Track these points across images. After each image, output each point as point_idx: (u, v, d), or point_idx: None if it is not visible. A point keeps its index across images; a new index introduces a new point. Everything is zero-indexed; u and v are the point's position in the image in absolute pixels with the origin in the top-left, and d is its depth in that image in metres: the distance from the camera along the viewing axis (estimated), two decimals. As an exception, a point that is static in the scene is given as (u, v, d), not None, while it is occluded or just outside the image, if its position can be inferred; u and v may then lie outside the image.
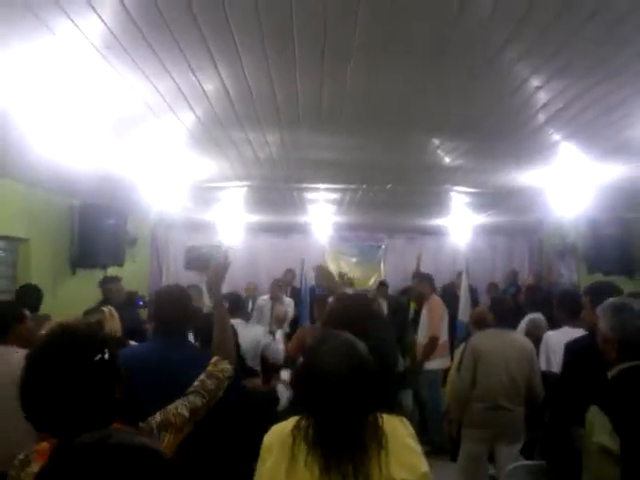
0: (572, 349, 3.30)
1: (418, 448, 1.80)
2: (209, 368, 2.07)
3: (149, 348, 2.83)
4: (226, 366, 2.11)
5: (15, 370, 3.30)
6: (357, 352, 1.80)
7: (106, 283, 6.22)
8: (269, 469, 1.73)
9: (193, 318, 2.95)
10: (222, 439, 2.67)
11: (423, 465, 1.76)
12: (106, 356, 1.63)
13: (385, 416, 1.79)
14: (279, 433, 1.79)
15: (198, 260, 2.49)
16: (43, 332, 3.76)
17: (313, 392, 1.75)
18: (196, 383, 1.99)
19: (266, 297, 8.16)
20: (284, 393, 4.55)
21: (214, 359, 2.10)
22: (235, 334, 3.97)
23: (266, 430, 1.84)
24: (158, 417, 1.77)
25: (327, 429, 1.71)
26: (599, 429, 2.36)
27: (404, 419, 1.87)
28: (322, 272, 8.92)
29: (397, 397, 3.03)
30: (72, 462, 0.90)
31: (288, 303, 8.23)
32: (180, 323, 2.80)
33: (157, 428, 1.73)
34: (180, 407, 1.85)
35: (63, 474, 0.88)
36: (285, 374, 4.91)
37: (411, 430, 1.83)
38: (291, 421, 1.80)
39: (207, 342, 2.44)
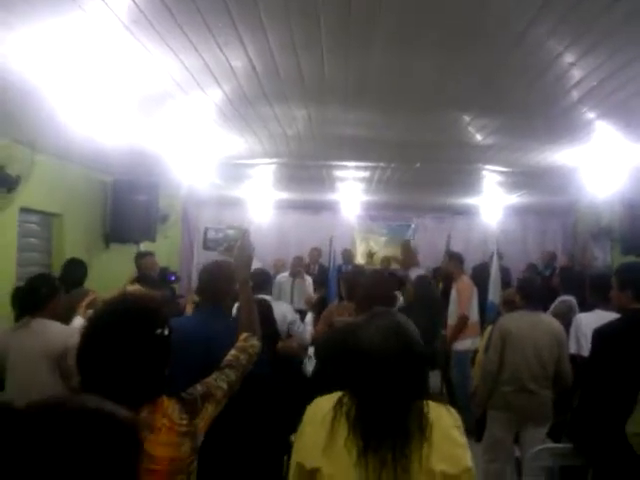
0: (601, 334, 3.24)
1: (463, 440, 1.70)
2: (241, 343, 2.10)
3: (194, 320, 2.90)
4: (255, 342, 2.14)
5: (50, 343, 3.41)
6: (407, 333, 1.73)
7: (140, 257, 6.32)
8: (307, 442, 1.71)
9: (234, 292, 2.99)
10: (252, 412, 2.70)
11: (467, 459, 1.67)
12: (165, 331, 1.68)
13: (431, 404, 1.71)
14: (321, 407, 1.74)
15: (217, 241, 2.53)
16: (84, 303, 3.89)
17: (358, 372, 1.70)
18: (229, 357, 2.01)
19: (286, 274, 8.18)
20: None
21: (244, 335, 2.13)
22: (269, 309, 4.02)
23: (296, 394, 1.82)
24: (200, 388, 1.80)
25: (370, 411, 1.65)
26: None
27: (451, 408, 1.78)
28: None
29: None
30: (26, 426, 0.95)
31: (309, 284, 8.23)
32: (219, 297, 2.85)
33: (200, 399, 1.76)
34: (219, 380, 1.88)
35: (15, 438, 0.94)
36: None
37: (458, 421, 1.74)
38: (334, 396, 1.75)
39: None
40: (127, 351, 1.59)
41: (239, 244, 2.34)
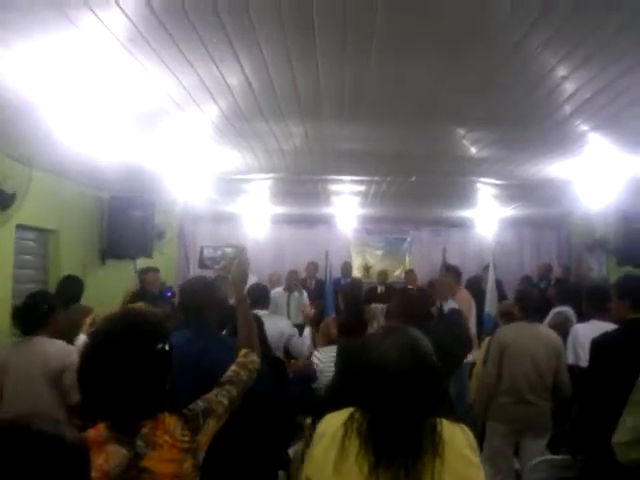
0: (598, 345, 3.26)
1: (476, 460, 1.68)
2: (241, 359, 2.09)
3: (181, 338, 2.89)
4: (255, 358, 2.14)
5: (49, 361, 3.41)
6: (421, 349, 1.71)
7: (144, 273, 6.32)
8: (317, 457, 1.70)
9: (219, 308, 2.98)
10: (251, 428, 2.70)
11: (479, 479, 1.66)
12: (166, 347, 1.68)
13: (445, 422, 1.69)
14: (333, 422, 1.73)
15: (213, 259, 2.53)
16: (87, 320, 3.88)
17: (371, 387, 1.68)
18: (230, 373, 2.01)
19: (280, 289, 8.15)
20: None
21: (244, 351, 2.13)
22: (261, 324, 4.01)
23: (304, 408, 1.81)
24: (201, 404, 1.80)
25: (382, 427, 1.63)
26: None
27: (465, 427, 1.76)
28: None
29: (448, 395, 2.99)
30: None
31: (304, 297, 8.18)
32: (205, 314, 2.84)
33: (202, 414, 1.76)
34: (220, 396, 1.87)
35: None
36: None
37: (472, 440, 1.72)
38: (345, 412, 1.74)
39: (235, 332, 2.48)
40: (128, 366, 1.59)
41: (236, 262, 2.35)
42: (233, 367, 2.04)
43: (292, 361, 4.21)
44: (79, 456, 1.08)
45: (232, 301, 2.58)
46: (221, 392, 1.89)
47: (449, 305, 6.37)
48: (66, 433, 1.10)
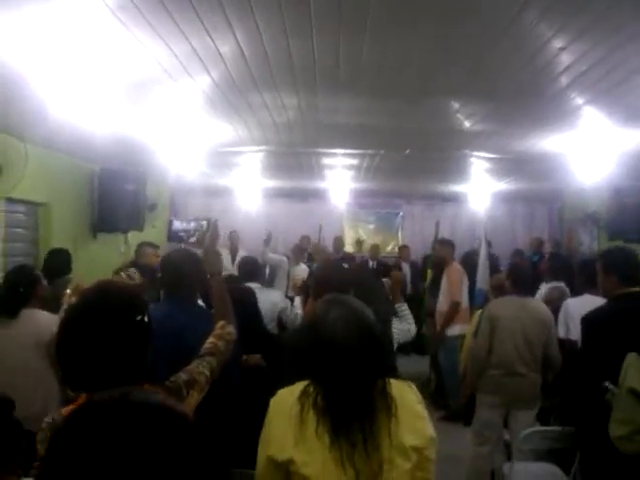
0: (588, 321, 3.27)
1: (425, 413, 1.77)
2: (218, 331, 2.08)
3: (162, 310, 2.87)
4: (232, 330, 2.13)
5: (38, 331, 3.40)
6: (365, 318, 1.77)
7: (139, 246, 6.25)
8: (276, 435, 1.71)
9: (201, 281, 2.94)
10: (234, 397, 2.71)
11: (430, 430, 1.75)
12: (145, 318, 1.66)
13: (393, 381, 1.76)
14: (286, 398, 1.75)
15: (182, 232, 2.48)
16: (68, 291, 3.86)
17: (321, 361, 1.72)
18: (208, 345, 2.00)
19: (285, 259, 8.14)
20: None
21: (220, 323, 2.11)
22: (254, 299, 4.01)
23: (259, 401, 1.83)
24: (183, 376, 1.79)
25: (336, 398, 1.68)
26: (632, 374, 2.44)
27: (412, 384, 1.84)
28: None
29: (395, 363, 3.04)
30: (93, 418, 0.91)
31: (303, 269, 8.22)
32: (185, 286, 2.82)
33: (185, 386, 1.75)
34: (201, 367, 1.87)
35: (83, 429, 0.89)
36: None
37: (418, 395, 1.81)
38: (298, 386, 1.76)
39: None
40: (107, 339, 1.56)
41: (209, 235, 2.31)
42: (211, 339, 2.03)
43: (244, 358, 4.12)
44: (194, 430, 1.03)
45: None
46: (202, 363, 1.89)
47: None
48: (172, 403, 1.05)
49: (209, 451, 1.15)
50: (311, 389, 1.73)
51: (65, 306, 3.80)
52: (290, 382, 1.82)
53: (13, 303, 3.46)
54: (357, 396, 1.68)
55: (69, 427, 0.92)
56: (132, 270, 3.77)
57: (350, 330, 1.71)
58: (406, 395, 1.77)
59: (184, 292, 2.80)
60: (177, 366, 1.89)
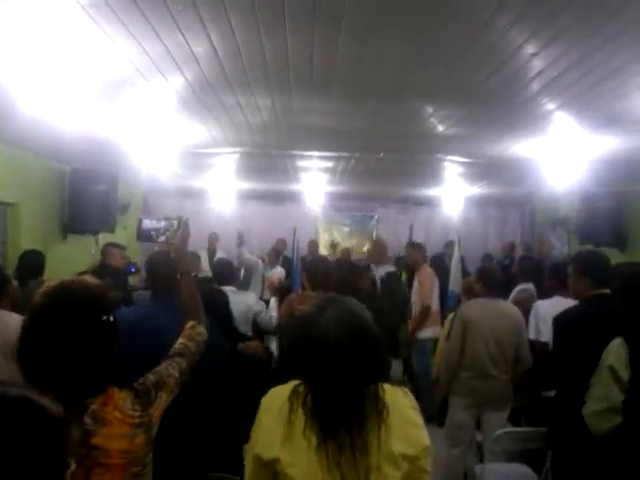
0: (560, 321, 3.32)
1: (420, 421, 1.71)
2: (188, 332, 2.05)
3: (142, 311, 2.85)
4: (202, 330, 2.09)
5: (5, 333, 3.32)
6: (360, 320, 1.71)
7: (106, 246, 6.16)
8: (264, 434, 1.68)
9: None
10: (214, 402, 2.68)
11: (424, 439, 1.68)
12: (111, 318, 1.62)
13: (387, 387, 1.70)
14: (277, 397, 1.72)
15: (154, 231, 2.45)
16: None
17: (311, 360, 1.68)
18: (178, 346, 1.96)
19: (260, 261, 8.12)
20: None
21: (190, 323, 2.08)
22: (226, 301, 3.98)
23: (261, 390, 1.79)
24: (152, 377, 1.75)
25: (325, 399, 1.64)
26: (614, 356, 2.51)
27: (407, 390, 1.78)
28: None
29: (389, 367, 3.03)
30: None
31: (279, 272, 8.22)
32: (168, 288, 2.79)
33: (153, 387, 1.72)
34: (170, 368, 1.83)
35: None
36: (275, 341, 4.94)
37: (413, 402, 1.75)
38: (289, 385, 1.73)
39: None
40: (72, 340, 1.52)
41: (180, 234, 2.29)
42: (181, 340, 2.00)
43: (240, 345, 4.14)
44: (60, 428, 1.04)
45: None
46: (171, 364, 1.85)
47: (384, 270, 6.43)
48: (46, 401, 1.05)
49: (188, 454, 1.12)
50: (301, 389, 1.69)
51: None
52: (283, 380, 1.78)
53: None
54: (347, 399, 1.64)
55: None
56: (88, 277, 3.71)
57: (343, 330, 1.66)
58: (399, 401, 1.71)
59: (169, 292, 2.78)
60: (152, 366, 1.86)
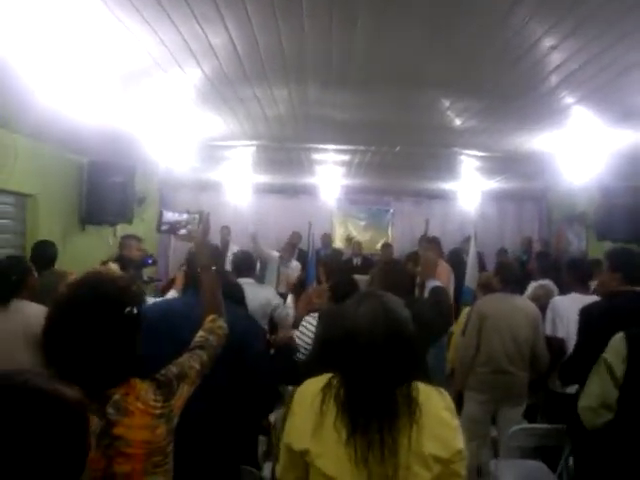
0: (588, 313, 3.33)
1: (455, 423, 1.68)
2: (209, 325, 2.06)
3: (181, 302, 2.88)
4: (223, 324, 2.10)
5: (28, 324, 3.36)
6: (396, 315, 1.69)
7: (123, 238, 6.23)
8: (296, 424, 1.70)
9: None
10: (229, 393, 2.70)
11: (458, 441, 1.65)
12: (135, 310, 1.64)
13: (421, 386, 1.69)
14: (310, 389, 1.73)
15: (173, 225, 2.46)
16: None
17: (345, 354, 1.68)
18: (198, 338, 1.98)
19: (276, 254, 8.15)
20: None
21: (211, 317, 2.09)
22: (242, 295, 4.00)
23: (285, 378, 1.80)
24: (174, 369, 1.77)
25: (357, 393, 1.64)
26: (613, 351, 2.52)
27: (442, 390, 1.75)
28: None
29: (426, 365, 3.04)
30: None
31: (295, 266, 8.22)
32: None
33: (175, 379, 1.73)
34: (191, 360, 1.85)
35: None
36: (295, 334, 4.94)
37: (449, 402, 1.72)
38: (323, 378, 1.74)
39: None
40: (96, 331, 1.54)
41: (201, 228, 2.29)
42: (201, 332, 2.00)
43: (272, 337, 4.19)
44: (79, 414, 1.04)
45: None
46: (192, 357, 1.87)
47: (431, 284, 6.37)
48: (67, 391, 1.05)
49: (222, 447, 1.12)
50: (335, 381, 1.70)
51: None
52: (317, 372, 1.79)
53: (5, 291, 3.42)
54: (378, 395, 1.63)
55: None
56: (113, 265, 3.76)
57: (377, 325, 1.66)
58: (434, 402, 1.69)
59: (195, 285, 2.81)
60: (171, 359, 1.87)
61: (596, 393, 2.62)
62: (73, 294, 1.60)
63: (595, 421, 2.62)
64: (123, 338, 1.60)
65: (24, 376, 1.03)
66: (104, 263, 3.94)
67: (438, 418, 1.66)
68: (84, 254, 6.40)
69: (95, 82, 3.79)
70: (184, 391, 1.75)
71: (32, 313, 3.40)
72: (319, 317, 3.44)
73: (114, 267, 3.66)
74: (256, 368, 2.69)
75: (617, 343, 2.59)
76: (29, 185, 5.85)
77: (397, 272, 3.42)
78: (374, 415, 1.62)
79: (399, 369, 1.65)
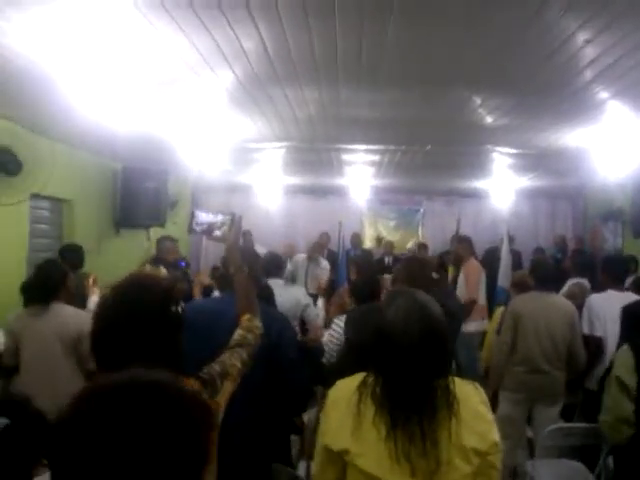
0: (629, 312, 3.28)
1: (490, 416, 1.70)
2: (245, 324, 2.08)
3: (221, 303, 2.91)
4: (258, 323, 2.12)
5: (65, 328, 3.45)
6: (430, 313, 1.72)
7: (160, 241, 6.32)
8: (333, 425, 1.71)
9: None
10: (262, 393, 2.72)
11: (494, 434, 1.67)
12: (179, 308, 1.68)
13: (457, 381, 1.71)
14: (345, 389, 1.75)
15: (207, 226, 2.47)
16: (90, 283, 3.94)
17: (382, 352, 1.70)
18: (237, 337, 2.00)
19: (303, 256, 8.17)
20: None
21: (247, 316, 2.11)
22: (271, 295, 4.03)
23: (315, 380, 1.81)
24: (216, 367, 1.79)
25: (396, 389, 1.66)
26: (621, 364, 2.47)
27: (477, 385, 1.78)
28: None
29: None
30: (94, 404, 0.88)
31: (324, 266, 8.24)
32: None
33: (219, 377, 1.76)
34: (233, 358, 1.87)
35: (84, 415, 0.87)
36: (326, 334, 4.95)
37: (484, 396, 1.75)
38: (357, 377, 1.76)
39: None
40: (142, 330, 1.57)
41: (233, 229, 2.32)
42: (239, 331, 2.02)
43: (302, 337, 4.20)
44: (208, 410, 1.01)
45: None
46: (233, 355, 1.89)
47: None
48: (188, 389, 1.03)
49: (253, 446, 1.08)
50: (370, 379, 1.71)
51: (94, 296, 3.90)
52: (350, 372, 1.81)
53: (46, 293, 3.52)
54: (417, 389, 1.65)
55: (71, 412, 0.90)
56: (162, 270, 3.86)
57: (412, 324, 1.67)
58: (471, 396, 1.72)
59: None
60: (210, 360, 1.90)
61: (611, 407, 2.58)
62: (120, 295, 1.65)
63: (615, 436, 2.57)
64: (168, 336, 1.64)
65: (153, 376, 1.00)
66: (142, 265, 4.04)
67: (475, 411, 1.68)
68: (118, 257, 6.52)
69: (129, 89, 3.86)
70: (227, 389, 1.77)
71: (68, 318, 3.49)
72: (346, 318, 3.45)
73: (163, 271, 3.75)
74: (291, 368, 2.71)
75: (624, 355, 2.55)
76: (65, 190, 5.99)
77: (419, 267, 3.40)
78: (414, 409, 1.63)
79: (436, 363, 1.67)
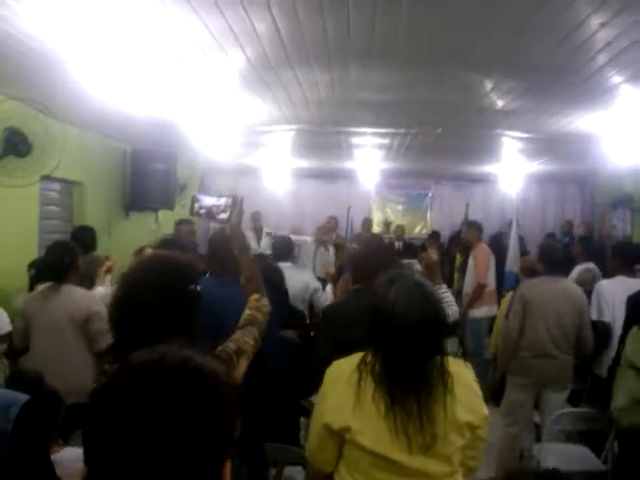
0: (634, 301, 3.27)
1: (480, 392, 1.82)
2: (253, 303, 2.10)
3: (205, 285, 2.93)
4: (266, 302, 2.15)
5: (74, 308, 3.49)
6: (428, 294, 1.79)
7: (177, 224, 6.37)
8: (333, 403, 1.76)
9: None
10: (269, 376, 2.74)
11: (484, 408, 1.80)
12: (198, 287, 1.71)
13: (451, 359, 1.79)
14: (344, 368, 1.80)
15: (210, 209, 2.45)
16: (102, 270, 3.96)
17: (383, 333, 1.75)
18: (247, 316, 2.02)
19: (311, 239, 8.16)
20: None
21: (255, 296, 2.13)
22: (282, 278, 4.04)
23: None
24: (231, 345, 1.82)
25: (395, 367, 1.72)
26: (632, 347, 2.49)
27: (468, 363, 1.89)
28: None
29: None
30: (128, 381, 0.89)
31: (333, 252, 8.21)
32: (227, 263, 2.86)
33: (234, 354, 1.78)
34: (246, 336, 1.90)
35: (118, 392, 0.88)
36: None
37: (473, 374, 1.87)
38: (355, 357, 1.81)
39: None
40: (161, 308, 1.60)
41: (235, 211, 2.32)
42: (248, 311, 2.05)
43: (311, 320, 4.21)
44: (237, 392, 0.99)
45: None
46: (245, 333, 1.92)
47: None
48: (221, 367, 1.01)
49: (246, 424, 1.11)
50: (369, 357, 1.77)
51: (100, 287, 3.92)
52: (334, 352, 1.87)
53: (57, 273, 3.55)
54: (414, 366, 1.71)
55: (106, 389, 0.91)
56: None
57: (414, 305, 1.73)
58: (463, 373, 1.82)
59: (226, 269, 2.86)
60: (221, 335, 1.92)
61: (625, 391, 2.58)
62: (140, 272, 1.67)
63: (631, 419, 2.58)
64: (187, 315, 1.66)
65: (182, 353, 0.97)
66: (142, 249, 4.05)
67: (469, 388, 1.79)
68: (128, 239, 6.54)
69: (140, 71, 3.85)
70: (242, 366, 1.80)
71: (77, 299, 3.52)
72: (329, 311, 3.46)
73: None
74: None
75: (634, 336, 2.54)
76: (76, 172, 6.00)
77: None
78: (411, 387, 1.70)
79: (432, 341, 1.74)
